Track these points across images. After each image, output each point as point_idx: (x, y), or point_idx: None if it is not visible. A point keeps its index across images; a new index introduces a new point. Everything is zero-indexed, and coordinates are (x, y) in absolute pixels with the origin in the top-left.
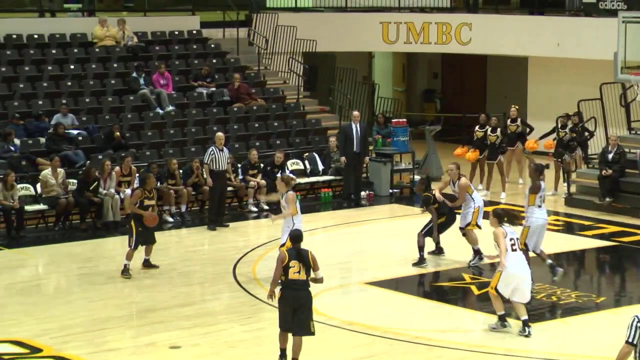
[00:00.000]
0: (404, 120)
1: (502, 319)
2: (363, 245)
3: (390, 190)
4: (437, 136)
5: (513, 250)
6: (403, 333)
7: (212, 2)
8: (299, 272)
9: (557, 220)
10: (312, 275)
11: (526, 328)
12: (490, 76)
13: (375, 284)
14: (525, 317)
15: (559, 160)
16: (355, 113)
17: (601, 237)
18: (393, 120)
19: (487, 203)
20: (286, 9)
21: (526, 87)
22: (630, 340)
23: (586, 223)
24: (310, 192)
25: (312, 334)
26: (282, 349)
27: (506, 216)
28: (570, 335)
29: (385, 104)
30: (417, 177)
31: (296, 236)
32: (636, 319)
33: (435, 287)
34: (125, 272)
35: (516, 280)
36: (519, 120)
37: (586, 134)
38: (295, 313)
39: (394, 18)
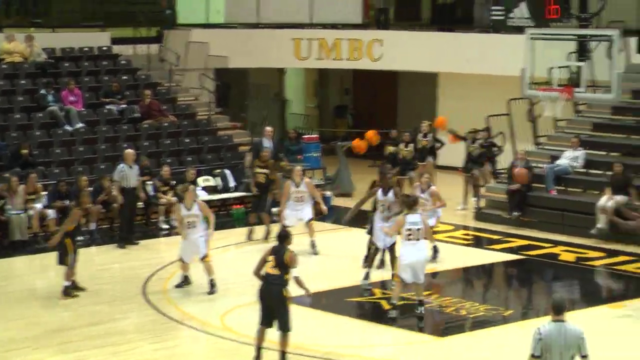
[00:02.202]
0: (316, 136)
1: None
2: None
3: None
4: (348, 152)
5: (409, 239)
6: (314, 349)
7: (122, 18)
8: (274, 267)
9: (467, 234)
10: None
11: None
12: (401, 92)
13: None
14: (422, 297)
15: (468, 174)
16: (268, 129)
17: (509, 250)
18: (305, 136)
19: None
20: (198, 25)
21: (436, 102)
22: (534, 353)
23: (495, 237)
24: (222, 209)
25: (290, 330)
26: (257, 347)
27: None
28: (480, 348)
29: (297, 119)
30: (328, 193)
31: (279, 235)
32: (538, 332)
33: (347, 303)
34: (67, 293)
35: (411, 268)
36: (430, 135)
37: (494, 148)
38: (275, 309)
39: (305, 34)
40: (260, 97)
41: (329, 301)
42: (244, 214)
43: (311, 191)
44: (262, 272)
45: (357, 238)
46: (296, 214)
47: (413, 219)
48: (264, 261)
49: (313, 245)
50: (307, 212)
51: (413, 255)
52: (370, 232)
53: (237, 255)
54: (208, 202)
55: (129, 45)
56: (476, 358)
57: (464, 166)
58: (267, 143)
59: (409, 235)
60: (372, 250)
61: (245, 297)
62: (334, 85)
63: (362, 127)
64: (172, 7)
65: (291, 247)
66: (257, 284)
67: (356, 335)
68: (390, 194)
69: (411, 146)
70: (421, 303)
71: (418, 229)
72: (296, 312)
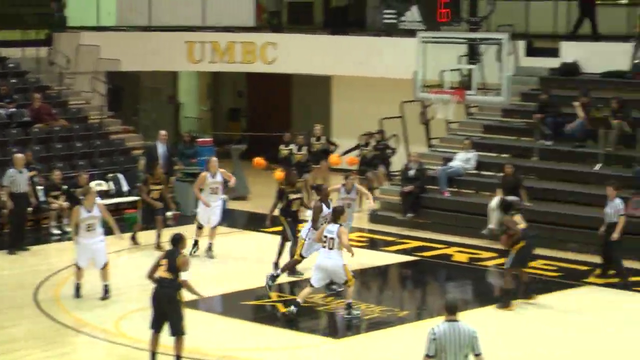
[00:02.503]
0: (210, 139)
1: (349, 306)
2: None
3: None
4: (242, 155)
5: (323, 246)
6: (210, 353)
7: (10, 20)
8: (166, 270)
9: (362, 236)
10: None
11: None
12: (295, 95)
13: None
14: (350, 300)
15: (362, 177)
16: (162, 132)
17: (404, 252)
18: (199, 140)
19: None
20: (88, 28)
21: (330, 105)
22: (428, 353)
23: (389, 239)
24: (115, 213)
25: (184, 333)
26: (152, 352)
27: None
28: (375, 348)
29: (191, 123)
30: (223, 197)
31: (173, 239)
32: (432, 332)
33: (243, 306)
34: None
35: (321, 272)
36: (323, 138)
37: (388, 151)
38: (167, 313)
39: (198, 37)
40: (153, 101)
41: (225, 305)
42: (137, 218)
43: (227, 177)
44: (156, 275)
45: (252, 241)
46: (209, 213)
47: (331, 228)
48: (157, 265)
49: (210, 248)
50: (217, 217)
51: (323, 261)
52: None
53: (130, 260)
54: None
55: (17, 48)
56: (372, 358)
57: (357, 168)
58: (161, 147)
59: (324, 243)
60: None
61: (140, 302)
62: (228, 88)
63: (256, 129)
64: (62, 9)
65: (185, 251)
66: (150, 288)
67: (252, 338)
68: (325, 208)
69: (305, 149)
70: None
71: (332, 238)
72: (192, 316)
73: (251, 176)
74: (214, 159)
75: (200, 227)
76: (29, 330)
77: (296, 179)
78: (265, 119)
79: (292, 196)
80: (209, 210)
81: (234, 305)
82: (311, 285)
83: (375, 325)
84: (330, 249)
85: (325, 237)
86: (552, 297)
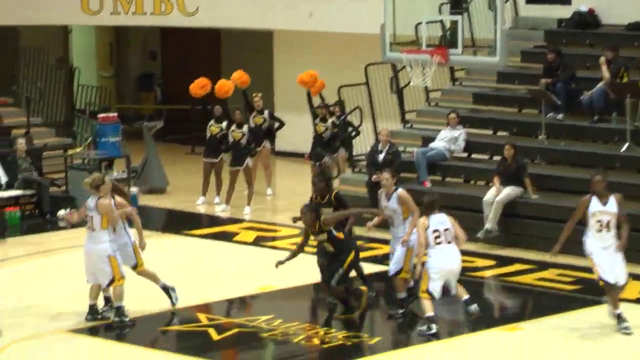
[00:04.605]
0: (114, 115)
1: (431, 320)
2: (62, 281)
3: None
4: (158, 135)
5: (437, 243)
6: None
7: None
8: None
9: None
10: None
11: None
12: (225, 56)
13: (82, 331)
14: (467, 296)
15: (318, 163)
16: None
17: (374, 260)
18: (100, 116)
19: (226, 221)
20: None
21: (272, 69)
22: None
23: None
24: None
25: None
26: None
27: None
28: None
29: (89, 93)
30: (134, 189)
31: None
32: None
33: (164, 333)
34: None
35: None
36: (265, 112)
37: (350, 129)
38: None
39: None
40: (36, 65)
41: (140, 332)
42: (21, 218)
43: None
44: None
45: (174, 246)
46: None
47: (440, 218)
48: None
49: None
50: None
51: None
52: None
53: (11, 275)
54: None
55: None
56: None
57: (311, 152)
58: None
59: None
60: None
61: (26, 329)
62: (136, 49)
63: (175, 102)
64: None
65: None
66: (41, 311)
67: None
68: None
69: (245, 127)
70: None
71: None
72: (95, 349)
73: (170, 163)
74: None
75: None
76: None
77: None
78: (186, 89)
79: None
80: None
81: (153, 332)
82: (433, 298)
83: (337, 356)
84: (449, 242)
85: (437, 230)
86: (568, 317)
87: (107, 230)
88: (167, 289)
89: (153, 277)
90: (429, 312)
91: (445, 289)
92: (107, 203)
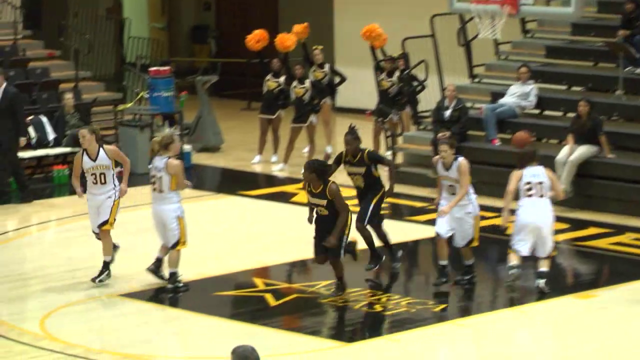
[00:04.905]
0: (167, 68)
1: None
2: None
3: (150, 166)
4: (212, 90)
5: (528, 195)
6: None
7: None
8: None
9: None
10: None
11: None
12: (282, 7)
13: (131, 295)
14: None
15: (381, 120)
16: None
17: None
18: (151, 69)
19: (284, 181)
20: None
21: (332, 20)
22: None
23: (417, 204)
24: (38, 171)
25: None
26: None
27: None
28: (402, 356)
29: (140, 45)
30: (187, 147)
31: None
32: None
33: (216, 298)
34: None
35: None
36: (326, 66)
37: (414, 83)
38: None
39: None
40: (86, 16)
41: (193, 296)
42: (69, 177)
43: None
44: None
45: (229, 207)
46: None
47: (535, 170)
48: None
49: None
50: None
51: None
52: None
53: (61, 235)
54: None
55: None
56: None
57: (375, 109)
58: None
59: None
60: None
61: (72, 294)
62: None
63: (230, 54)
64: None
65: None
66: (89, 274)
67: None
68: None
69: (307, 82)
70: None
71: (540, 183)
72: (148, 314)
73: (225, 120)
74: (83, 131)
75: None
76: None
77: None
78: (241, 41)
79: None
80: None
81: (207, 297)
82: (520, 255)
83: (401, 324)
84: (541, 196)
85: (530, 182)
86: None
87: (176, 192)
88: (108, 266)
89: (109, 246)
90: (513, 261)
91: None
92: (177, 163)
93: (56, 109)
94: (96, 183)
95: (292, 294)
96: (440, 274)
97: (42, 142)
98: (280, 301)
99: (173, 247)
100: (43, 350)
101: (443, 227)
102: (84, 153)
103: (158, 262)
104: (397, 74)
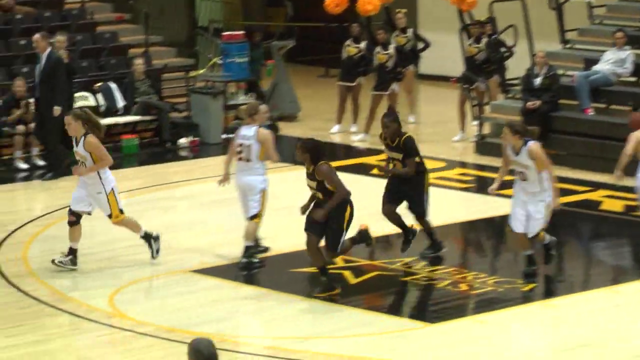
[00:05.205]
0: (241, 32)
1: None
2: (183, 215)
3: (224, 136)
4: (288, 55)
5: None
6: (247, 342)
7: None
8: None
9: (465, 174)
10: None
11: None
12: None
13: (204, 271)
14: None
15: (468, 87)
16: None
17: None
18: (224, 34)
19: (364, 152)
20: None
21: None
22: None
23: (505, 177)
24: (106, 140)
25: None
26: None
27: None
28: (487, 337)
29: (214, 9)
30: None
31: None
32: None
33: (292, 275)
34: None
35: None
36: (409, 31)
37: (503, 49)
38: None
39: None
40: None
41: (268, 273)
42: (138, 147)
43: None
44: None
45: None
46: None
47: None
48: None
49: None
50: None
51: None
52: None
53: (129, 208)
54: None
55: None
56: (482, 353)
57: (460, 76)
58: None
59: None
60: None
61: (144, 269)
62: None
63: (307, 18)
64: None
65: None
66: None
67: (309, 322)
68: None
69: (391, 48)
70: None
71: None
72: (219, 291)
73: (302, 87)
74: (67, 117)
75: None
76: None
77: None
78: (320, 4)
79: None
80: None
81: (282, 273)
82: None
83: (488, 304)
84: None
85: None
86: None
87: (263, 163)
88: (148, 238)
89: (133, 226)
90: None
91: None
92: (268, 132)
93: (125, 76)
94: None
95: (373, 271)
96: (529, 261)
97: (111, 110)
98: (360, 279)
99: (251, 218)
100: (112, 328)
101: (518, 224)
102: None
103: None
104: (484, 39)
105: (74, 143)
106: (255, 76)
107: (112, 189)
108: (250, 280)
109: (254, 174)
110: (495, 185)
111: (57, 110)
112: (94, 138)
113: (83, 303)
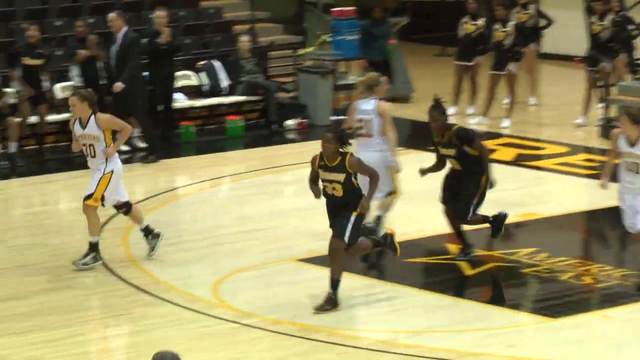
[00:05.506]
0: (352, 8)
1: None
2: (292, 202)
3: (333, 117)
4: (402, 33)
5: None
6: (357, 336)
7: None
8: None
9: (589, 160)
10: None
11: None
12: None
13: (312, 260)
14: None
15: (593, 69)
16: None
17: None
18: (334, 10)
19: (482, 135)
20: None
21: None
22: None
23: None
24: (210, 121)
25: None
26: None
27: None
28: (613, 334)
29: None
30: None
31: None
32: None
33: (405, 265)
34: None
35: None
36: (531, 7)
37: (630, 27)
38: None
39: None
40: None
41: (381, 263)
42: (244, 128)
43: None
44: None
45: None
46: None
47: None
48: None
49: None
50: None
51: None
52: None
53: (234, 193)
54: (190, 109)
55: None
56: (608, 350)
57: (585, 56)
58: None
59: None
60: None
61: (250, 257)
62: None
63: None
64: None
65: None
66: (266, 236)
67: (423, 315)
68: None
69: (510, 26)
70: None
71: None
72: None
73: (417, 67)
74: (72, 98)
75: None
76: (83, 297)
77: None
78: None
79: None
80: None
81: (396, 263)
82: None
83: (613, 298)
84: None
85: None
86: None
87: (384, 138)
88: (148, 232)
89: (137, 213)
90: None
91: None
92: (387, 105)
93: (230, 54)
94: (87, 155)
95: (490, 262)
96: None
97: (215, 90)
98: (477, 270)
99: (386, 196)
100: (215, 319)
101: (633, 223)
102: (78, 118)
103: (378, 220)
104: (610, 16)
105: (77, 126)
106: (383, 55)
107: (112, 172)
108: (359, 270)
109: (376, 150)
110: (604, 181)
111: (118, 86)
112: (103, 114)
113: (185, 292)
